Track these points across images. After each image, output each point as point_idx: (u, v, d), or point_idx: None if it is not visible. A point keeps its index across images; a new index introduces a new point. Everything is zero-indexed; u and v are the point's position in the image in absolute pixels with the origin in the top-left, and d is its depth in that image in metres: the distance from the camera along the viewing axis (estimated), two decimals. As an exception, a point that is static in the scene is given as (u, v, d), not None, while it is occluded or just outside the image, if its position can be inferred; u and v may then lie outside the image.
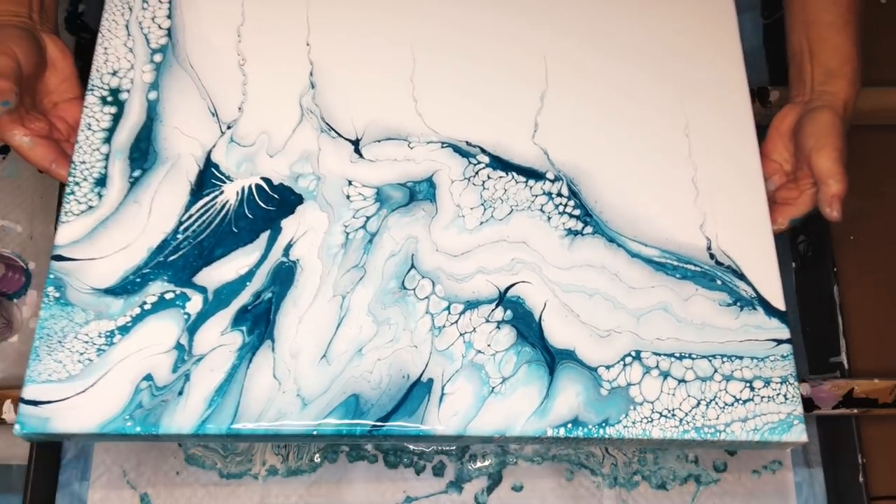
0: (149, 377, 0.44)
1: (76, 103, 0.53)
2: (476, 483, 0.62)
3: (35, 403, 0.42)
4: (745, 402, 0.47)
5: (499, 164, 0.52)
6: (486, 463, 0.63)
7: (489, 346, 0.47)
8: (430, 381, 0.45)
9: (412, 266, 0.48)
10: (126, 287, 0.46)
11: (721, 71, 0.56)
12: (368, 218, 0.49)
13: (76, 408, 0.43)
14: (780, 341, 0.49)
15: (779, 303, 0.50)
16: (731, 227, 0.51)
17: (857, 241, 0.66)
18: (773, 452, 0.63)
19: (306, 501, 0.62)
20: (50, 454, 0.62)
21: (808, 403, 0.58)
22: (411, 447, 0.61)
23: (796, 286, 0.68)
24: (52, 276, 0.45)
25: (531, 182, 0.51)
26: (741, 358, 0.48)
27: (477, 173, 0.51)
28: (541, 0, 0.57)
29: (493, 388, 0.46)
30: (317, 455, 0.63)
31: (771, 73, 0.72)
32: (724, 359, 0.48)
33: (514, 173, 0.51)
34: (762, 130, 0.59)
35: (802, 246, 0.67)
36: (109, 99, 0.50)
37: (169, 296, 0.46)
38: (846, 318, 0.63)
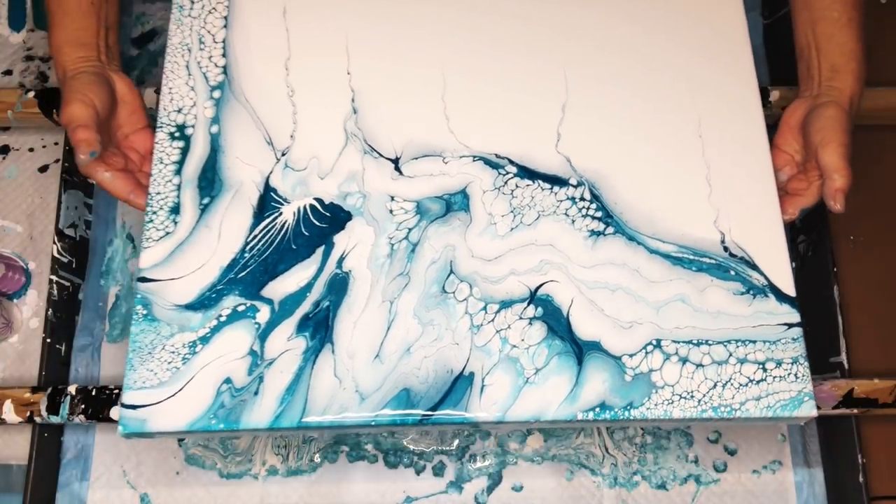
0: (228, 380, 0.51)
1: (145, 132, 0.59)
2: (476, 483, 0.64)
3: (133, 407, 0.50)
4: (758, 382, 0.52)
5: (526, 173, 0.57)
6: (486, 463, 0.64)
7: (523, 340, 0.52)
8: (472, 374, 0.51)
9: (451, 271, 0.54)
10: (203, 302, 0.52)
11: (732, 72, 0.60)
12: (410, 229, 0.55)
13: (168, 410, 0.50)
14: (790, 325, 0.53)
15: (789, 289, 0.54)
16: (744, 220, 0.56)
17: (857, 241, 0.68)
18: (774, 452, 0.65)
19: (306, 501, 0.63)
20: (50, 454, 0.64)
21: None
22: (411, 447, 0.65)
23: (796, 286, 0.68)
24: (139, 296, 0.52)
25: (556, 188, 0.56)
26: (754, 342, 0.53)
27: (506, 183, 0.56)
28: (558, 18, 0.61)
29: (528, 378, 0.51)
30: (317, 455, 0.64)
31: (771, 73, 0.74)
32: (738, 343, 0.53)
33: (539, 181, 0.57)
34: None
35: (802, 246, 0.69)
36: (177, 134, 0.57)
37: (241, 308, 0.52)
38: (846, 318, 0.64)
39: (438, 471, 0.64)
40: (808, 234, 0.69)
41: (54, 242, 0.67)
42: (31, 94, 0.69)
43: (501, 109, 0.59)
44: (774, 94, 0.67)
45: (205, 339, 0.51)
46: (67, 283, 0.68)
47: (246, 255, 0.54)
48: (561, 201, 0.56)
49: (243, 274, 0.53)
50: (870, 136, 0.59)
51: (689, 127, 0.58)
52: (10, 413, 0.60)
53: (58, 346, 0.66)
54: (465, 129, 0.58)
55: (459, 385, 0.51)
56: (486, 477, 0.64)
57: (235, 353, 0.51)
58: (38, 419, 0.60)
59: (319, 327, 0.52)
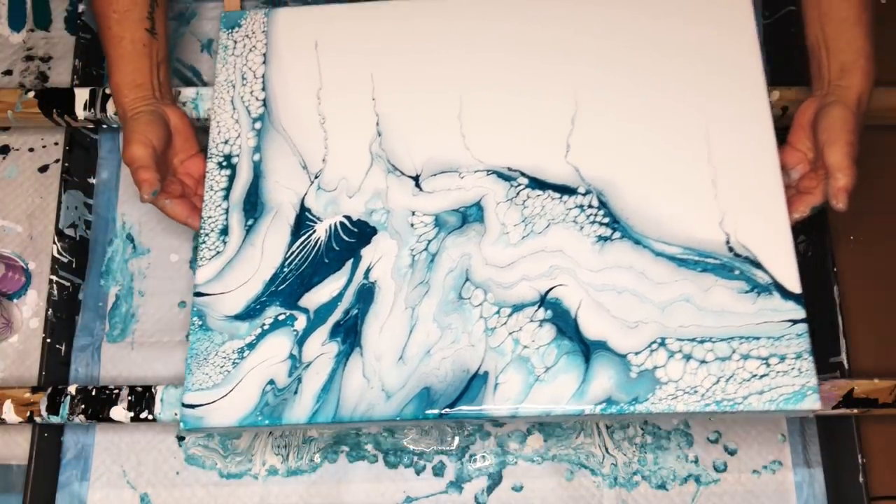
0: (272, 382, 0.57)
1: (198, 158, 0.66)
2: (476, 483, 0.65)
3: (192, 406, 0.57)
4: (761, 377, 0.54)
5: (536, 184, 0.61)
6: (486, 463, 0.65)
7: (533, 341, 0.56)
8: (486, 373, 0.56)
9: (467, 279, 0.58)
10: (249, 313, 0.59)
11: (740, 76, 0.62)
12: (429, 241, 0.60)
13: (221, 408, 0.57)
14: (795, 321, 0.55)
15: (795, 287, 0.56)
16: (749, 220, 0.58)
17: (857, 241, 0.68)
18: (774, 452, 0.66)
19: (306, 501, 0.64)
20: (50, 454, 0.64)
21: None
22: (411, 447, 0.66)
23: None
24: (195, 309, 0.60)
25: (565, 197, 0.60)
26: (758, 338, 0.55)
27: (518, 194, 0.61)
28: (568, 33, 0.65)
29: (538, 376, 0.55)
30: (317, 455, 0.65)
31: (771, 73, 0.73)
32: (742, 340, 0.55)
33: (550, 191, 0.60)
34: None
35: (802, 246, 0.69)
36: (224, 164, 0.64)
37: (281, 317, 0.59)
38: (846, 318, 0.64)
39: (438, 471, 0.65)
40: (808, 234, 0.69)
41: (54, 242, 0.69)
42: (31, 94, 0.70)
43: (513, 124, 0.63)
44: (774, 95, 0.67)
45: (251, 346, 0.58)
46: (67, 283, 0.69)
47: (285, 269, 0.60)
48: (570, 209, 0.60)
49: (283, 287, 0.60)
50: (869, 136, 0.58)
51: (695, 131, 0.61)
52: (10, 413, 0.60)
53: (58, 346, 0.67)
54: (480, 146, 0.62)
55: (475, 383, 0.56)
56: (486, 477, 0.65)
57: (277, 357, 0.58)
58: (38, 419, 0.61)
59: (349, 333, 0.58)
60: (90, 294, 0.72)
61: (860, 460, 0.62)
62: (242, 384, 0.57)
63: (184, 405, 0.57)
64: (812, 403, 0.53)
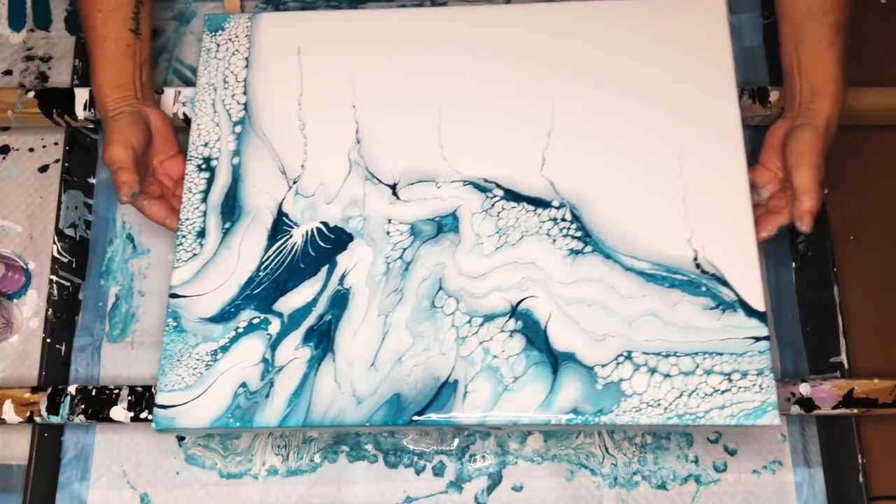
0: (244, 385, 0.58)
1: (177, 159, 0.67)
2: (476, 483, 0.65)
3: (165, 407, 0.58)
4: (723, 392, 0.55)
5: (511, 196, 0.62)
6: (486, 463, 0.66)
7: (503, 351, 0.57)
8: (456, 381, 0.57)
9: (440, 288, 0.59)
10: (224, 316, 0.60)
11: (714, 95, 0.63)
12: (405, 249, 0.61)
13: (193, 409, 0.57)
14: (758, 339, 0.56)
15: (759, 305, 0.57)
16: (717, 238, 0.59)
17: (857, 241, 0.69)
18: (774, 452, 0.66)
19: (306, 501, 0.64)
20: (50, 454, 0.64)
21: (808, 403, 0.61)
22: (411, 447, 0.67)
23: (796, 286, 0.70)
24: (170, 310, 0.60)
25: (539, 210, 0.61)
26: (721, 354, 0.56)
27: (493, 205, 0.62)
28: (546, 50, 0.66)
29: (507, 385, 0.56)
30: (317, 455, 0.65)
31: (771, 73, 0.75)
32: (706, 355, 0.56)
33: (524, 203, 0.61)
34: (763, 131, 0.64)
35: (802, 246, 0.70)
36: (203, 166, 0.65)
37: (255, 321, 0.60)
38: (846, 318, 0.65)
39: (438, 471, 0.66)
40: (808, 235, 0.67)
41: (54, 242, 0.69)
42: (31, 94, 0.71)
43: (491, 136, 0.64)
44: (774, 95, 0.67)
45: (224, 349, 0.59)
46: (67, 283, 0.70)
47: (261, 273, 0.61)
48: (543, 222, 0.61)
49: (258, 290, 0.60)
50: (870, 136, 0.59)
51: (668, 149, 0.62)
52: (10, 413, 0.61)
53: (58, 346, 0.67)
54: (457, 156, 0.63)
55: (445, 391, 0.57)
56: (486, 477, 0.66)
57: (250, 360, 0.59)
58: (38, 419, 0.62)
59: (323, 338, 0.59)
60: (90, 294, 0.72)
61: (860, 460, 0.62)
62: (215, 386, 0.58)
63: (156, 405, 0.58)
64: (771, 419, 0.54)
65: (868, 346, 0.66)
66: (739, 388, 0.55)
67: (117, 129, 0.63)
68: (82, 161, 0.74)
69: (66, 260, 0.70)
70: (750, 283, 0.58)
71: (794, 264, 0.71)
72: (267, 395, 0.58)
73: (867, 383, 0.61)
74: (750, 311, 0.57)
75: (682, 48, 0.65)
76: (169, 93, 0.70)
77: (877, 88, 0.62)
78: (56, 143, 0.76)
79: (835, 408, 0.61)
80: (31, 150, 0.76)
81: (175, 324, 0.60)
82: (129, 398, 0.63)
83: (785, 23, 0.64)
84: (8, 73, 0.79)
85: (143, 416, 0.62)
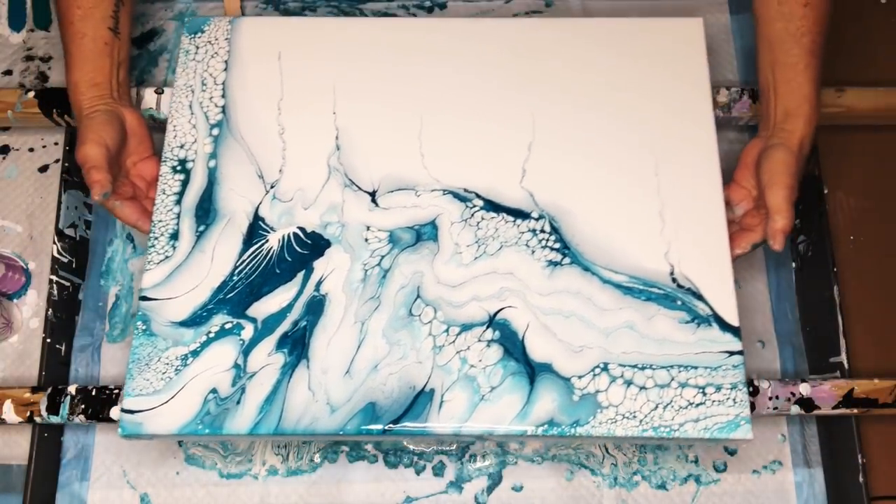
0: (214, 391, 0.56)
1: (151, 161, 0.66)
2: (476, 483, 0.65)
3: (131, 412, 0.56)
4: (697, 405, 0.56)
5: (491, 206, 0.62)
6: (486, 463, 0.65)
7: (480, 361, 0.57)
8: (432, 390, 0.56)
9: (418, 296, 0.59)
10: (195, 320, 0.59)
11: (690, 113, 0.64)
12: (383, 257, 0.60)
13: (161, 415, 0.56)
14: (732, 353, 0.57)
15: (733, 319, 0.58)
16: (693, 253, 0.60)
17: (857, 241, 0.68)
18: (774, 452, 0.66)
19: (306, 501, 0.64)
20: (50, 454, 0.64)
21: (808, 403, 0.61)
22: (411, 447, 0.66)
23: (796, 286, 0.70)
24: (140, 313, 0.59)
25: (518, 221, 0.61)
26: (696, 367, 0.57)
27: (472, 215, 0.62)
28: (528, 65, 0.66)
29: (483, 395, 0.56)
30: (317, 455, 0.65)
31: None
32: (681, 368, 0.57)
33: (504, 214, 0.62)
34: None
35: (802, 246, 0.69)
36: (178, 168, 0.63)
37: (228, 326, 0.58)
38: (846, 318, 0.64)
39: (438, 471, 0.65)
40: (808, 235, 0.69)
41: (54, 242, 0.69)
42: (31, 94, 0.70)
43: (472, 147, 0.64)
44: None
45: (195, 353, 0.58)
46: (67, 283, 0.69)
47: (234, 278, 0.60)
48: (523, 233, 0.61)
49: (231, 295, 0.59)
50: (870, 136, 0.60)
51: (646, 165, 0.63)
52: (10, 413, 0.61)
53: (58, 346, 0.67)
54: (438, 166, 0.63)
55: (421, 400, 0.56)
56: (486, 477, 0.65)
57: (221, 366, 0.57)
58: (38, 419, 0.61)
59: (297, 345, 0.58)
60: (90, 294, 0.71)
61: (860, 460, 0.62)
62: (184, 392, 0.56)
63: (123, 410, 0.56)
64: (744, 434, 0.55)
65: (868, 346, 0.65)
66: (713, 401, 0.56)
67: (92, 127, 0.61)
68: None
69: (66, 260, 0.70)
70: (724, 298, 0.59)
71: (794, 264, 0.71)
72: (238, 402, 0.56)
73: (867, 383, 0.61)
74: (724, 326, 0.58)
75: (661, 67, 0.66)
76: (169, 93, 0.69)
77: (877, 88, 0.62)
78: (56, 143, 0.76)
79: (835, 408, 0.61)
80: (31, 150, 0.76)
81: (145, 327, 0.58)
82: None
83: (762, 43, 0.65)
84: (8, 73, 0.78)
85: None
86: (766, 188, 0.60)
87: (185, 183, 0.63)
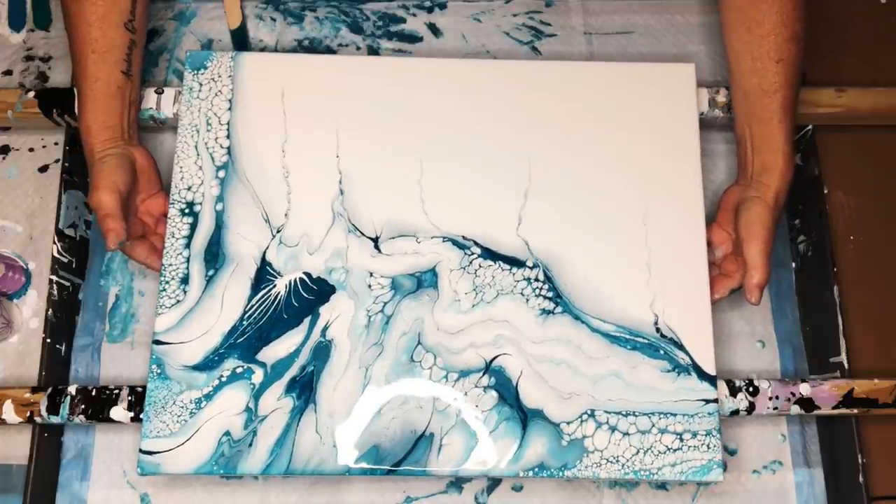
0: (227, 433, 0.60)
1: (159, 197, 0.68)
2: (476, 483, 0.66)
3: (150, 453, 0.60)
4: (675, 450, 0.61)
5: (488, 254, 0.65)
6: None
7: (477, 406, 0.61)
8: (432, 434, 0.61)
9: (419, 342, 0.63)
10: (208, 364, 0.62)
11: (680, 168, 0.67)
12: (385, 303, 0.63)
13: (178, 456, 0.60)
14: (707, 401, 0.62)
15: (710, 369, 0.62)
16: (676, 305, 0.64)
17: (857, 241, 0.68)
18: (774, 452, 0.67)
19: (306, 501, 0.65)
20: (50, 454, 0.65)
21: (809, 403, 0.61)
22: None
23: (796, 286, 0.72)
24: (154, 357, 0.62)
25: (514, 269, 0.65)
26: (675, 415, 0.61)
27: (471, 262, 0.65)
28: (525, 114, 0.68)
29: (479, 440, 0.61)
30: None
31: None
32: (661, 415, 0.61)
33: (500, 262, 0.65)
34: None
35: (802, 246, 0.70)
36: (186, 210, 0.65)
37: (239, 370, 0.62)
38: (846, 318, 0.65)
39: None
40: (808, 235, 0.70)
41: (54, 242, 0.69)
42: (31, 94, 0.70)
43: (470, 194, 0.66)
44: None
45: (208, 397, 0.61)
46: (67, 283, 0.70)
47: (244, 322, 0.63)
48: (518, 281, 0.64)
49: (241, 340, 0.62)
50: (870, 137, 0.58)
51: (635, 214, 0.66)
52: (10, 413, 0.61)
53: (58, 346, 0.68)
54: (438, 212, 0.66)
55: (421, 443, 0.60)
56: (486, 477, 0.66)
57: (234, 409, 0.61)
58: (38, 419, 0.62)
59: (305, 389, 0.61)
60: (90, 294, 0.72)
61: (860, 460, 0.62)
62: (199, 434, 0.60)
63: (142, 451, 0.60)
64: (716, 476, 0.60)
65: (868, 346, 0.65)
66: (689, 446, 0.61)
67: (105, 172, 0.63)
68: (82, 161, 0.71)
69: (66, 260, 0.70)
70: (703, 348, 0.63)
71: (794, 264, 0.73)
72: (250, 444, 0.60)
73: (867, 383, 0.62)
74: (702, 375, 0.62)
75: (652, 115, 0.69)
76: (169, 93, 0.70)
77: (877, 88, 0.62)
78: (56, 143, 0.75)
79: (835, 408, 0.61)
80: (31, 150, 0.75)
81: (159, 371, 0.61)
82: (129, 398, 0.63)
83: (738, 94, 0.68)
84: (8, 73, 0.78)
85: (143, 416, 0.61)
86: (743, 241, 0.63)
87: (193, 226, 0.65)
